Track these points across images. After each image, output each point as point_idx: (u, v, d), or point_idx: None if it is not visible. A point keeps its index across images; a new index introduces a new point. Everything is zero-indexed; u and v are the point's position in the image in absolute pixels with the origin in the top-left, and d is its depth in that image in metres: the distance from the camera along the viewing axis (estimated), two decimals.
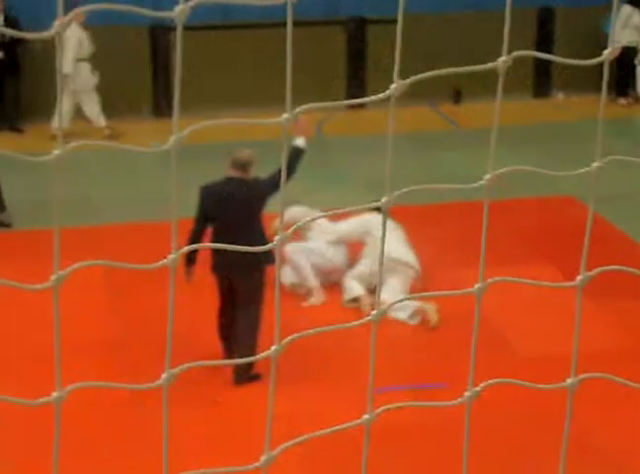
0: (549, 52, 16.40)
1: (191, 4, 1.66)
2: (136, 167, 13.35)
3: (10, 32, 1.67)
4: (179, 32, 1.67)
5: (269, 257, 8.24)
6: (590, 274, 1.99)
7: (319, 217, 9.88)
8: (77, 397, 2.02)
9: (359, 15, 16.11)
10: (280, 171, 8.08)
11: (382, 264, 1.98)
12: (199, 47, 14.45)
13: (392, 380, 8.19)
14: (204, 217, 8.40)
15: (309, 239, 10.24)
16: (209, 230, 8.45)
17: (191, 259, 8.34)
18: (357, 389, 8.23)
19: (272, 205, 8.81)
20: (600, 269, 2.09)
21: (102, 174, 13.29)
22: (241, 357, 7.95)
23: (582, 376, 2.03)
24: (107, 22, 14.59)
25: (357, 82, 16.24)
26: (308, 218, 2.15)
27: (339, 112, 15.62)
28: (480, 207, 2.08)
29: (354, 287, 9.88)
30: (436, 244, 11.12)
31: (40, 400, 1.80)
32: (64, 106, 14.57)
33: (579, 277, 2.00)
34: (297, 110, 1.79)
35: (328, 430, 1.97)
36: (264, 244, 8.17)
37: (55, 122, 14.42)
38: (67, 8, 1.66)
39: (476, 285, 1.95)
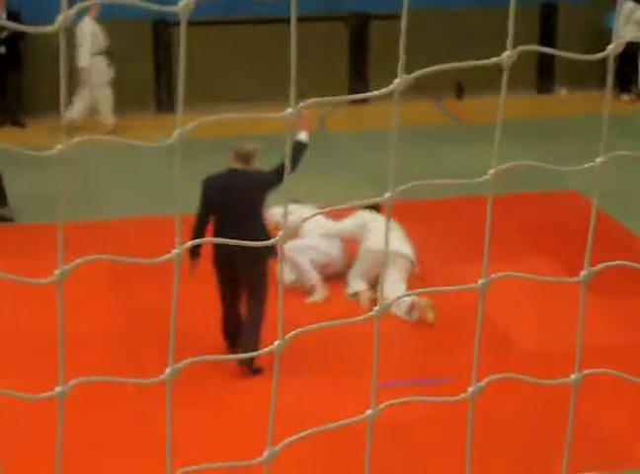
0: (552, 48, 16.36)
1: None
2: (140, 162, 13.34)
3: (14, 25, 1.66)
4: (183, 26, 1.67)
5: (270, 250, 8.26)
6: (594, 269, 1.99)
7: (317, 214, 9.88)
8: (79, 390, 2.02)
9: (361, 10, 16.10)
10: (282, 165, 8.10)
11: (386, 261, 1.97)
12: (201, 43, 14.44)
13: (394, 375, 8.20)
14: (207, 209, 8.42)
15: (304, 236, 10.21)
16: (212, 223, 8.46)
17: (195, 252, 8.34)
18: (358, 384, 8.22)
19: (271, 201, 8.83)
20: (603, 264, 2.09)
21: (105, 169, 13.29)
22: (244, 351, 8.02)
23: (585, 372, 2.03)
24: (109, 16, 14.57)
25: (359, 77, 16.23)
26: (308, 216, 2.15)
27: (341, 107, 15.60)
28: (482, 202, 2.08)
29: (355, 283, 9.91)
30: (438, 239, 11.11)
31: (44, 394, 1.80)
32: (84, 100, 14.60)
33: (583, 273, 2.00)
34: (301, 104, 1.79)
35: (331, 425, 1.96)
36: (266, 236, 8.30)
37: (71, 113, 14.48)
38: (70, 2, 1.66)
39: (480, 281, 1.95)
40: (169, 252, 1.85)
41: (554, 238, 11.16)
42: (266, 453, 1.90)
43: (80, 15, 14.29)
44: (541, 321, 9.47)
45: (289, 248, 9.88)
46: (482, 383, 1.91)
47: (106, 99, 14.69)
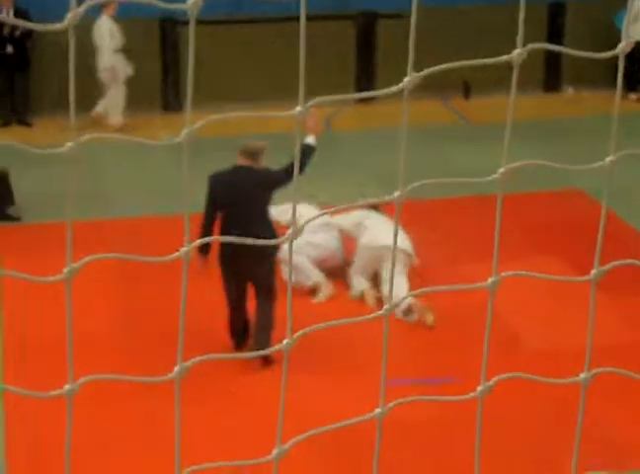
0: (560, 46, 16.35)
1: None
2: (147, 160, 13.35)
3: (22, 23, 1.65)
4: (192, 24, 1.67)
5: (276, 247, 8.33)
6: (604, 268, 1.99)
7: (321, 214, 9.87)
8: (88, 388, 2.02)
9: (368, 9, 16.09)
10: (291, 165, 8.13)
11: (394, 265, 1.97)
12: (209, 41, 14.44)
13: (399, 374, 8.19)
14: (214, 206, 8.45)
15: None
16: (219, 220, 8.49)
17: (204, 249, 8.38)
18: (362, 382, 8.23)
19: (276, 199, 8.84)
20: (613, 263, 2.08)
21: (113, 167, 13.30)
22: (259, 343, 8.33)
23: (595, 371, 2.02)
24: (116, 15, 14.58)
25: (366, 76, 16.23)
26: (313, 216, 2.14)
27: (348, 106, 15.60)
28: (490, 201, 2.08)
29: (358, 281, 9.87)
30: (446, 238, 11.11)
31: (53, 393, 1.80)
32: (118, 97, 14.63)
33: (593, 272, 1.99)
34: (309, 103, 1.79)
35: (340, 424, 1.96)
36: (272, 234, 8.34)
37: (99, 107, 14.54)
38: (79, 0, 1.66)
39: (489, 279, 1.94)
40: (177, 250, 1.85)
41: (560, 237, 11.15)
42: (275, 451, 1.90)
43: (96, 13, 14.32)
44: (549, 320, 9.46)
45: (286, 248, 9.83)
46: (491, 382, 1.91)
47: (119, 97, 14.72)
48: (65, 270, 1.68)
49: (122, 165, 13.25)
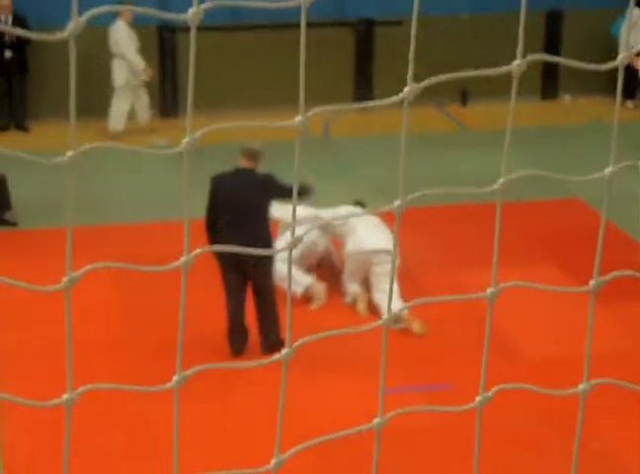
0: (557, 55, 16.34)
1: (204, 6, 1.65)
2: (146, 166, 13.33)
3: (22, 32, 1.65)
4: (192, 34, 1.67)
5: (270, 246, 8.57)
6: (603, 279, 1.99)
7: (323, 222, 9.90)
8: (85, 395, 2.02)
9: (367, 17, 16.12)
10: (291, 187, 8.28)
11: (395, 272, 1.97)
12: (208, 48, 14.45)
13: (395, 381, 8.19)
14: (215, 208, 8.60)
15: (282, 231, 10.00)
16: (220, 220, 8.62)
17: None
18: (359, 385, 8.22)
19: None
20: (613, 274, 2.08)
21: (111, 173, 13.29)
22: (268, 336, 8.68)
23: (594, 382, 2.02)
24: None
25: (364, 83, 16.24)
26: (309, 215, 2.14)
27: (346, 112, 15.61)
28: (488, 209, 2.08)
29: (350, 287, 9.83)
30: (442, 245, 11.11)
31: (51, 402, 1.79)
32: (124, 105, 14.67)
33: (592, 282, 2.00)
34: (310, 112, 1.79)
35: (338, 434, 1.96)
36: (270, 236, 8.48)
37: (110, 123, 14.60)
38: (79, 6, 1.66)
39: (488, 290, 1.94)
40: (177, 258, 1.85)
41: (558, 245, 11.16)
42: (273, 461, 1.90)
43: (111, 19, 14.37)
44: (546, 327, 9.46)
45: (279, 258, 9.69)
46: (490, 393, 1.91)
47: (122, 102, 14.75)
48: (65, 279, 1.68)
49: (121, 171, 13.23)
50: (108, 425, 7.88)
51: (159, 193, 12.38)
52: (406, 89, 1.78)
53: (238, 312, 8.78)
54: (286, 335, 2.03)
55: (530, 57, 1.85)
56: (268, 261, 8.63)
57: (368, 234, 9.73)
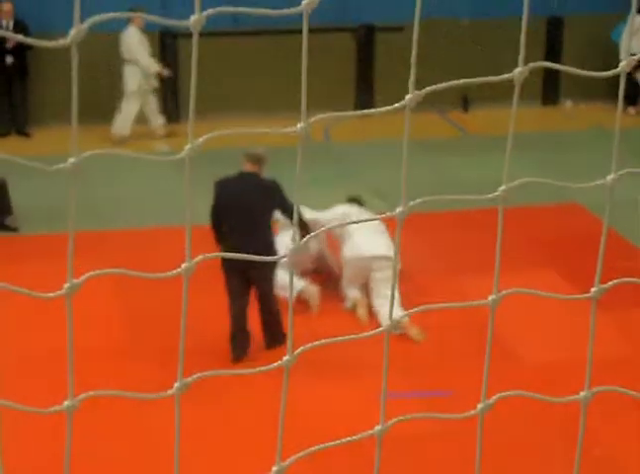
0: (558, 61, 16.39)
1: (206, 13, 1.66)
2: (147, 172, 13.33)
3: (21, 38, 1.65)
4: (195, 41, 1.67)
5: (274, 250, 8.69)
6: (604, 286, 1.98)
7: (328, 228, 9.88)
8: (86, 401, 2.01)
9: (368, 22, 16.15)
10: (292, 206, 8.42)
11: (396, 281, 1.97)
12: (209, 54, 14.46)
13: (394, 387, 8.18)
14: (219, 212, 8.69)
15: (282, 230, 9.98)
16: (223, 224, 8.71)
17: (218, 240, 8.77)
18: (358, 388, 8.22)
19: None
20: (615, 281, 2.08)
21: (111, 178, 13.29)
22: (272, 335, 8.85)
23: (595, 389, 2.02)
24: (116, 28, 14.59)
25: (365, 88, 16.26)
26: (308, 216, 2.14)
27: (347, 118, 15.61)
28: (486, 215, 2.08)
29: (350, 293, 9.81)
30: (443, 251, 11.11)
31: (52, 409, 1.79)
32: (132, 110, 14.72)
33: (593, 290, 1.99)
34: (312, 119, 1.79)
35: (340, 441, 1.96)
36: (272, 242, 8.54)
37: (115, 128, 14.64)
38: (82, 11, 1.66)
39: (490, 297, 1.94)
40: (180, 264, 1.85)
41: (559, 251, 11.16)
42: (274, 469, 1.90)
43: (123, 25, 14.42)
44: (541, 333, 9.46)
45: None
46: (492, 400, 1.91)
47: (131, 108, 14.79)
48: (66, 285, 1.68)
49: (123, 176, 13.22)
50: (109, 431, 7.87)
51: (161, 198, 12.38)
52: (408, 96, 1.78)
53: (241, 317, 8.80)
54: (288, 334, 2.04)
55: (532, 65, 1.85)
56: (271, 265, 8.72)
57: (367, 239, 9.65)
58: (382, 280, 9.54)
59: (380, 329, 1.91)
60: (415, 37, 1.82)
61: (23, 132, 15.07)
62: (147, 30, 14.92)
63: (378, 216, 1.96)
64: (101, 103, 14.94)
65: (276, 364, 1.89)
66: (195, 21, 1.65)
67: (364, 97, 16.10)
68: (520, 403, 7.60)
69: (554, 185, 2.01)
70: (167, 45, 15.53)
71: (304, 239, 1.97)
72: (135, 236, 11.43)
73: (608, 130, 13.83)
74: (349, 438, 1.96)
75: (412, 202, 1.85)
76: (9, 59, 14.62)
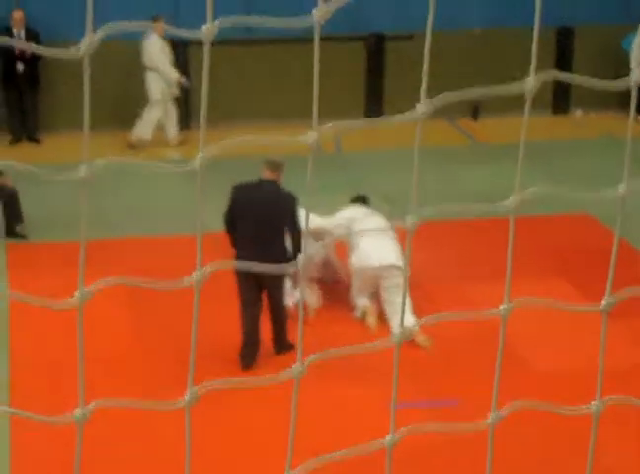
0: (568, 70, 16.37)
1: (218, 23, 1.66)
2: (157, 180, 13.33)
3: (35, 48, 1.65)
4: (206, 51, 1.67)
5: (289, 260, 8.50)
6: (616, 298, 1.98)
7: (336, 238, 9.86)
8: (96, 409, 2.01)
9: (378, 31, 16.16)
10: (300, 229, 8.59)
11: (406, 289, 1.96)
12: (220, 62, 14.47)
13: (402, 396, 8.16)
14: (233, 216, 8.71)
15: None
16: (237, 229, 8.72)
17: (233, 244, 8.82)
18: (367, 401, 8.21)
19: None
20: (625, 292, 2.08)
21: (122, 186, 13.30)
22: (278, 337, 8.92)
23: (606, 399, 2.01)
24: (127, 37, 14.61)
25: (375, 96, 16.28)
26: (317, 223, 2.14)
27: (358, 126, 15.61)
28: (495, 224, 2.07)
29: (360, 302, 9.76)
30: (454, 259, 11.10)
31: (63, 418, 1.79)
32: (154, 116, 14.80)
33: (604, 302, 1.99)
34: (324, 127, 1.79)
35: (350, 450, 1.95)
36: (286, 251, 8.52)
37: (136, 132, 14.68)
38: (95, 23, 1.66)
39: (501, 307, 1.94)
40: (191, 271, 1.85)
41: (569, 260, 11.13)
42: None
43: (144, 33, 14.50)
44: (556, 342, 9.43)
45: None
46: (503, 412, 1.90)
47: (153, 114, 14.86)
48: (77, 294, 1.68)
49: (133, 183, 13.21)
50: (118, 437, 7.86)
51: (171, 205, 12.39)
52: (419, 106, 1.78)
53: (253, 326, 8.80)
54: (298, 343, 2.03)
55: (544, 76, 1.85)
56: (283, 275, 8.88)
57: (375, 247, 9.51)
58: (392, 288, 9.50)
59: (390, 340, 1.91)
60: (427, 47, 1.82)
61: (33, 139, 15.11)
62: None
63: (386, 225, 1.95)
64: (124, 110, 15.03)
65: (286, 374, 1.89)
66: (207, 30, 1.65)
67: (375, 105, 16.12)
68: (530, 412, 7.58)
69: (565, 194, 2.00)
70: (178, 54, 15.56)
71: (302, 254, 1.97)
72: (146, 244, 11.43)
73: (619, 139, 13.81)
74: (359, 449, 1.96)
75: (423, 213, 1.85)
76: (20, 67, 14.65)
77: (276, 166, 8.74)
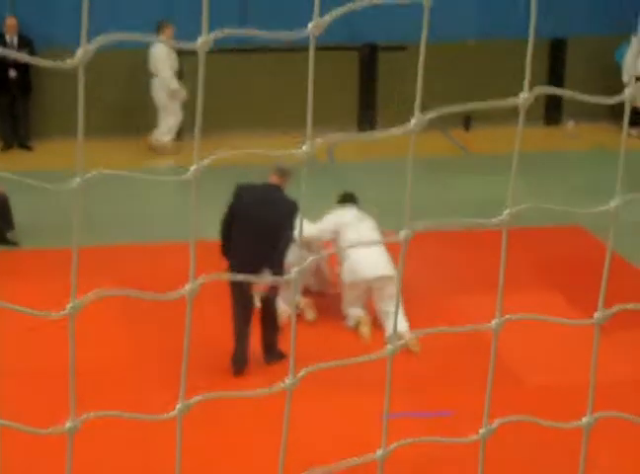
0: (561, 81, 16.42)
1: (213, 35, 1.66)
2: (151, 187, 13.31)
3: (29, 58, 1.65)
4: (201, 61, 1.67)
5: (281, 268, 8.55)
6: (608, 312, 1.98)
7: (327, 254, 9.83)
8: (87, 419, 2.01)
9: (371, 41, 16.20)
10: (291, 238, 8.57)
11: (399, 298, 1.97)
12: (214, 71, 14.47)
13: (396, 407, 8.15)
14: (233, 217, 8.69)
15: None
16: (234, 230, 8.67)
17: (224, 252, 8.79)
18: (359, 411, 8.20)
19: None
20: (618, 306, 2.08)
21: (114, 193, 13.28)
22: (268, 346, 8.91)
23: (597, 415, 2.01)
24: (121, 46, 14.60)
25: (368, 106, 16.31)
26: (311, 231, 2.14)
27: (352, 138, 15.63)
28: (487, 235, 2.07)
29: (353, 312, 9.74)
30: (445, 271, 11.10)
31: (54, 429, 1.78)
32: (170, 121, 14.84)
33: (596, 315, 1.99)
34: (318, 140, 1.79)
35: (342, 463, 1.95)
36: (280, 260, 8.40)
37: (162, 136, 14.72)
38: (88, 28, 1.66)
39: (493, 321, 1.94)
40: (184, 279, 1.85)
41: (561, 273, 11.14)
42: None
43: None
44: (547, 355, 9.43)
45: None
46: (494, 425, 1.91)
47: (173, 121, 14.89)
48: (69, 305, 1.68)
49: (126, 191, 13.19)
50: (110, 448, 7.84)
51: (164, 213, 12.38)
52: (413, 120, 1.78)
53: (244, 331, 8.80)
54: (291, 353, 2.03)
55: (537, 90, 1.85)
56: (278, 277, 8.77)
57: (366, 258, 9.39)
58: (387, 298, 9.50)
59: (383, 352, 1.91)
60: (421, 59, 1.83)
61: (25, 146, 15.08)
62: (147, 47, 14.95)
63: (375, 228, 1.95)
64: (132, 115, 15.09)
65: (278, 386, 1.88)
66: (202, 43, 1.65)
67: (367, 115, 16.15)
68: (521, 425, 7.58)
69: (559, 209, 2.01)
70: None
71: (305, 264, 1.96)
72: (138, 251, 11.42)
73: (610, 151, 13.84)
74: (350, 462, 1.96)
75: (416, 227, 1.85)
76: (12, 73, 14.63)
77: (283, 173, 8.72)
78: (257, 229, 8.53)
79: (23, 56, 1.70)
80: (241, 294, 8.71)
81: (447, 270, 11.17)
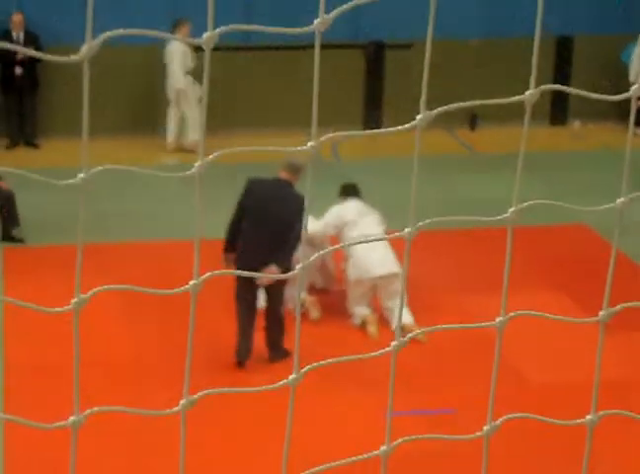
0: (567, 80, 16.39)
1: (219, 31, 1.66)
2: (155, 184, 13.32)
3: (34, 53, 1.65)
4: (207, 58, 1.67)
5: (290, 265, 8.50)
6: (613, 310, 1.98)
7: (333, 249, 9.83)
8: (91, 415, 2.01)
9: (377, 39, 16.19)
10: (298, 237, 8.47)
11: (404, 292, 1.96)
12: (219, 69, 14.49)
13: (400, 404, 8.16)
14: (243, 210, 8.71)
15: None
16: (244, 224, 8.68)
17: (228, 249, 8.79)
18: (363, 408, 8.20)
19: None
20: (623, 305, 2.08)
21: (119, 191, 13.29)
22: (272, 343, 8.85)
23: (601, 413, 2.01)
24: (125, 41, 14.63)
25: (374, 104, 16.30)
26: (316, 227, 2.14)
27: (357, 135, 15.62)
28: (492, 234, 2.07)
29: (358, 310, 9.73)
30: (451, 269, 11.10)
31: (58, 424, 1.79)
32: (174, 120, 14.84)
33: (601, 313, 1.99)
34: (322, 138, 1.79)
35: (345, 460, 1.95)
36: (288, 256, 8.37)
37: (170, 137, 14.72)
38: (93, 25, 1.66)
39: (497, 319, 1.94)
40: (188, 276, 1.85)
41: (565, 271, 11.14)
42: None
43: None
44: (551, 353, 9.43)
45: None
46: (498, 422, 1.90)
47: (194, 118, 14.87)
48: (73, 301, 1.68)
49: (131, 188, 13.20)
50: (114, 444, 7.85)
51: (169, 211, 12.38)
52: (418, 117, 1.78)
53: (248, 320, 8.81)
54: (295, 349, 2.03)
55: (543, 87, 1.85)
56: (283, 279, 8.76)
57: (372, 256, 9.39)
58: (393, 295, 9.51)
59: (388, 349, 1.91)
60: (427, 56, 1.83)
61: (31, 143, 15.09)
62: (154, 43, 14.95)
63: (379, 222, 1.95)
64: (143, 113, 15.11)
65: (282, 383, 1.89)
66: (207, 38, 1.65)
67: (373, 113, 16.14)
68: (524, 422, 7.58)
69: (564, 206, 2.00)
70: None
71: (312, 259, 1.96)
72: (143, 249, 11.43)
73: (616, 151, 13.80)
74: (353, 459, 1.96)
75: (420, 223, 1.85)
76: (18, 71, 14.64)
77: (295, 169, 8.71)
78: (267, 224, 8.55)
79: (28, 52, 1.70)
80: (246, 291, 8.70)
81: (452, 267, 11.17)
